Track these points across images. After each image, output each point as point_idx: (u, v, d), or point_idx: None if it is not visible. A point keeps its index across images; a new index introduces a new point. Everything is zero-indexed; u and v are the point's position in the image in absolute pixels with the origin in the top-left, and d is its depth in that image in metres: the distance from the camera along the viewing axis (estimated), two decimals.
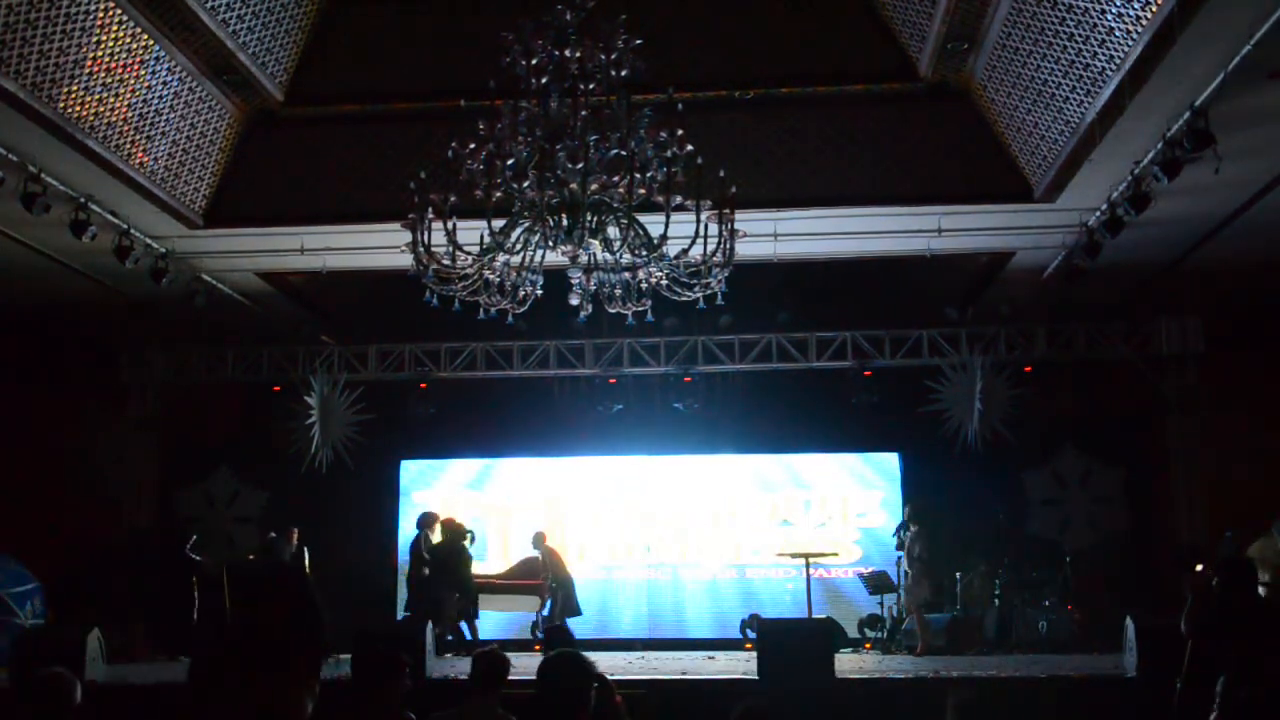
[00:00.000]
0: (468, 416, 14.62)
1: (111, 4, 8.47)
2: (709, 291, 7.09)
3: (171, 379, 14.05)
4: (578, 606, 13.37)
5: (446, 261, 6.83)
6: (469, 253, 6.81)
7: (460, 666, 10.11)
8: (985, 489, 13.87)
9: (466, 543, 12.82)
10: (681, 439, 14.48)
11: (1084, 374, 14.16)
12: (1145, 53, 7.72)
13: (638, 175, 6.52)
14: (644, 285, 7.11)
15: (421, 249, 6.78)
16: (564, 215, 6.61)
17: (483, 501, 15.02)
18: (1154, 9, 7.37)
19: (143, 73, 9.24)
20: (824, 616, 12.34)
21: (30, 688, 4.82)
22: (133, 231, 10.72)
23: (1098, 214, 10.23)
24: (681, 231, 6.64)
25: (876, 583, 13.11)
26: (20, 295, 12.68)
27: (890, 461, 14.67)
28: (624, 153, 6.53)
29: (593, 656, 4.71)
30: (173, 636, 12.10)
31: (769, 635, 9.93)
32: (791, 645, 9.63)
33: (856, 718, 9.07)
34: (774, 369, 13.65)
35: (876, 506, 14.59)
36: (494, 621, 13.71)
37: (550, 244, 6.73)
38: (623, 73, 6.55)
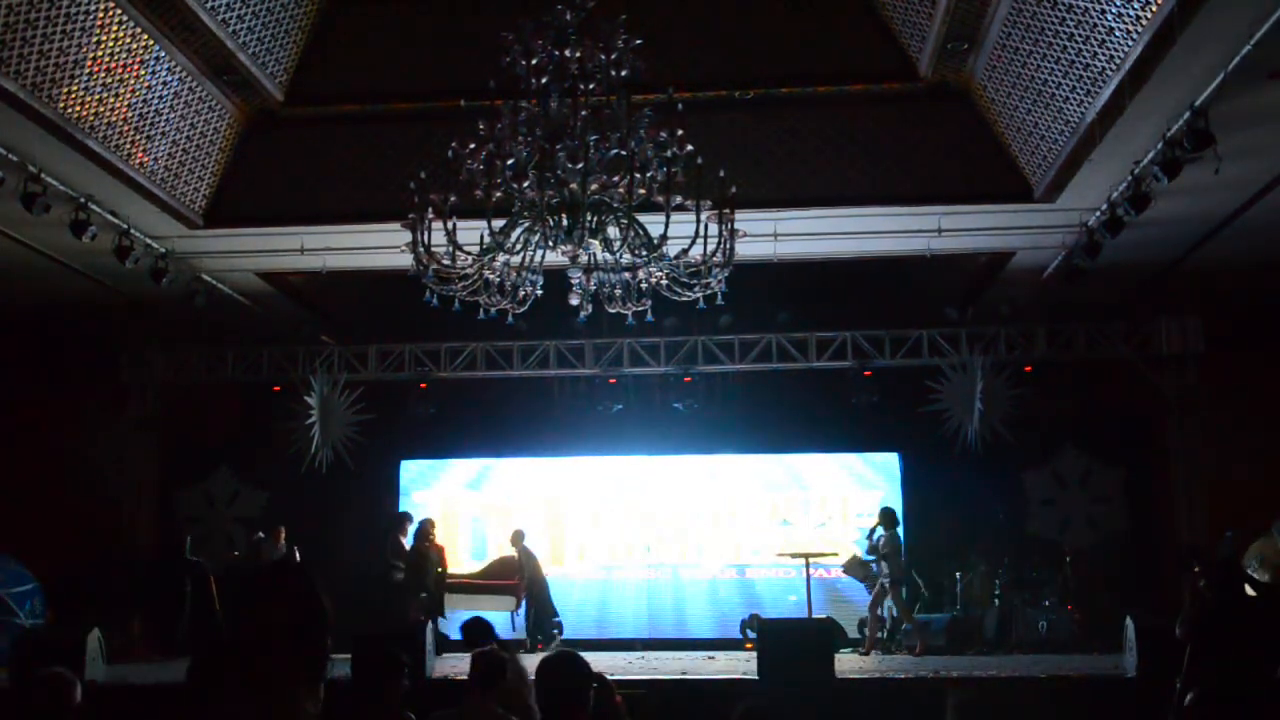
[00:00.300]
0: (468, 416, 14.61)
1: (111, 4, 8.47)
2: (709, 291, 7.09)
3: (171, 379, 14.05)
4: (553, 607, 13.36)
5: (446, 261, 6.84)
6: (469, 253, 6.81)
7: (460, 666, 10.10)
8: (985, 489, 13.88)
9: (431, 544, 12.77)
10: (681, 439, 14.47)
11: (1084, 374, 14.16)
12: (1145, 53, 7.72)
13: (638, 175, 6.52)
14: (644, 285, 7.11)
15: (421, 249, 6.79)
16: (564, 215, 6.61)
17: (483, 501, 15.01)
18: (1154, 9, 7.37)
19: (143, 73, 9.24)
20: (824, 616, 12.35)
21: (30, 688, 4.82)
22: (133, 231, 10.72)
23: (1098, 214, 10.23)
24: (681, 231, 6.64)
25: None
26: (20, 295, 12.68)
27: (890, 461, 14.66)
28: (624, 153, 6.53)
29: (592, 657, 4.71)
30: (171, 637, 12.12)
31: (769, 635, 9.93)
32: (791, 645, 9.63)
33: (856, 718, 9.07)
34: (774, 369, 13.64)
35: (876, 506, 14.56)
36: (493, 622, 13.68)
37: (550, 244, 6.73)
38: (623, 73, 6.55)
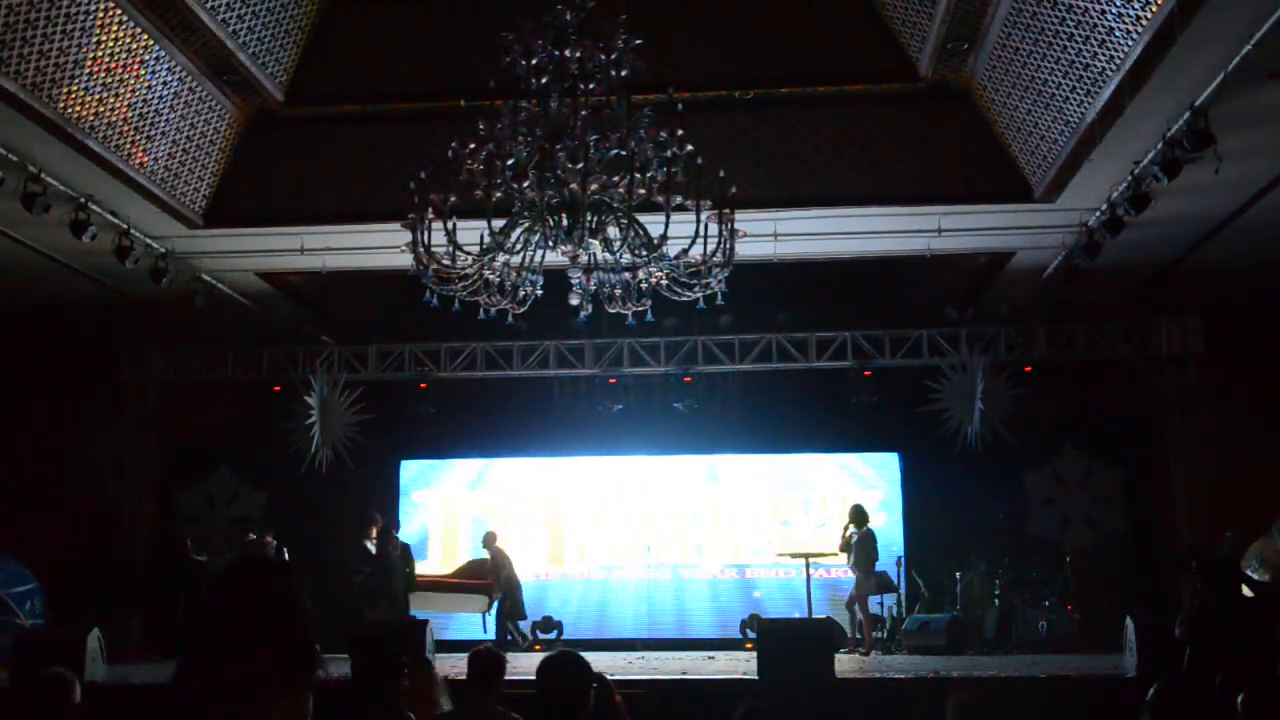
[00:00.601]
0: (468, 416, 14.61)
1: (111, 4, 8.47)
2: (709, 291, 7.09)
3: (171, 379, 14.05)
4: (523, 609, 13.33)
5: (446, 261, 6.84)
6: (469, 253, 6.81)
7: (460, 666, 10.10)
8: (985, 489, 13.88)
9: (393, 546, 12.72)
10: (681, 439, 14.48)
11: (1084, 374, 14.16)
12: (1145, 53, 7.72)
13: (638, 175, 6.52)
14: (644, 285, 7.11)
15: (421, 249, 6.79)
16: (564, 215, 6.61)
17: (482, 501, 15.01)
18: (1154, 9, 7.37)
19: (143, 73, 9.24)
20: (824, 616, 12.35)
21: (30, 688, 4.82)
22: (133, 231, 10.72)
23: (1098, 214, 10.23)
24: (681, 231, 6.64)
25: (876, 583, 13.09)
26: (20, 295, 12.68)
27: (890, 461, 14.67)
28: (624, 153, 6.53)
29: (592, 656, 4.71)
30: (171, 637, 12.12)
31: (769, 635, 9.93)
32: (791, 645, 9.63)
33: (856, 718, 9.07)
34: (774, 369, 13.64)
35: (876, 507, 14.58)
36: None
37: (550, 244, 6.73)
38: (623, 73, 6.55)
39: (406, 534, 14.85)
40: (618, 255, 6.84)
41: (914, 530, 14.23)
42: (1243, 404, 13.31)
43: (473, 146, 6.65)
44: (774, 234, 10.88)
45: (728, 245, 6.84)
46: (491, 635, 12.98)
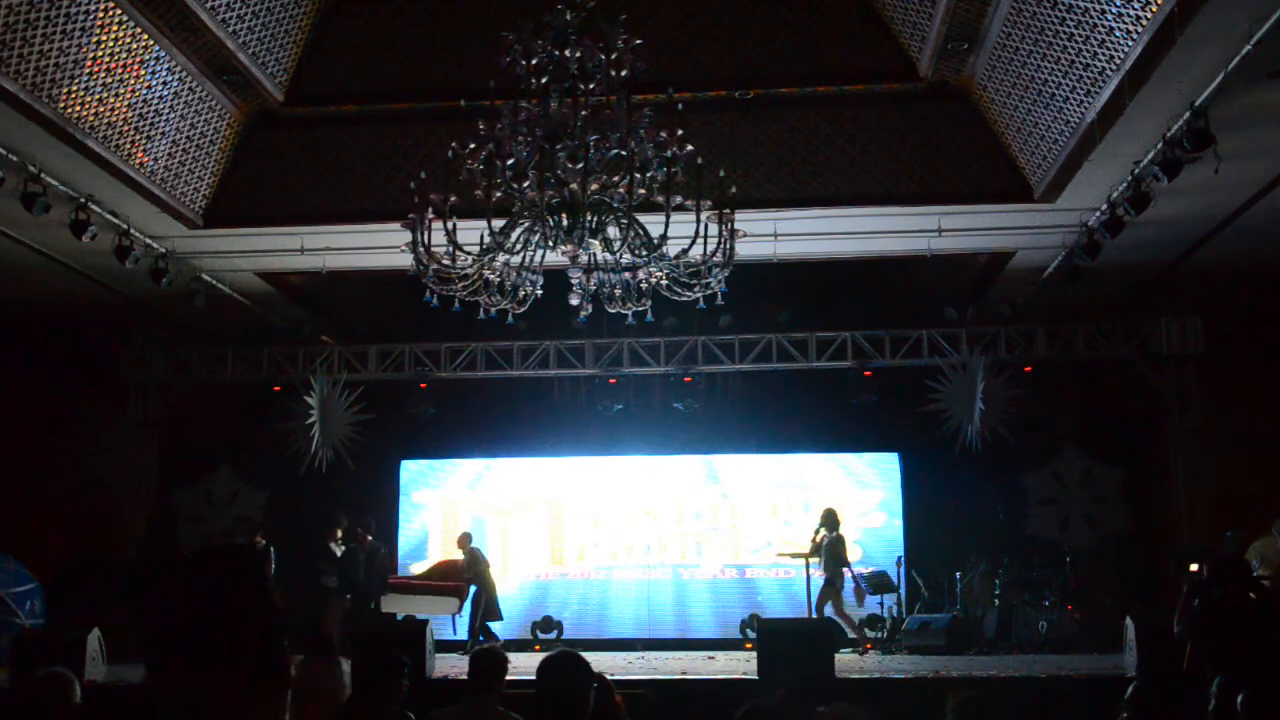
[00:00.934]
0: (468, 416, 14.61)
1: (111, 4, 8.47)
2: (709, 291, 7.09)
3: (171, 379, 14.05)
4: (499, 610, 13.22)
5: (446, 261, 6.83)
6: (469, 253, 6.81)
7: (460, 666, 10.10)
8: (985, 489, 13.88)
9: (361, 545, 12.69)
10: (681, 439, 14.48)
11: (1084, 374, 14.16)
12: (1145, 53, 7.72)
13: (638, 175, 6.52)
14: (644, 285, 7.11)
15: (421, 249, 6.78)
16: (564, 215, 6.61)
17: (483, 501, 15.01)
18: (1154, 9, 7.37)
19: (143, 73, 9.24)
20: (824, 617, 12.35)
21: (30, 688, 4.82)
22: (133, 231, 10.72)
23: (1098, 214, 10.23)
24: (681, 231, 6.64)
25: (876, 583, 13.11)
26: (20, 295, 12.68)
27: (890, 462, 14.66)
28: (624, 153, 6.53)
29: (592, 657, 4.71)
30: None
31: (769, 635, 9.92)
32: (791, 645, 9.62)
33: (856, 718, 9.05)
34: (774, 369, 13.64)
35: (876, 507, 14.59)
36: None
37: (550, 244, 6.73)
38: (623, 73, 6.55)
39: (407, 534, 14.90)
40: (618, 255, 6.84)
41: (914, 530, 14.23)
42: (1243, 404, 13.30)
43: (473, 146, 6.65)
44: (774, 234, 10.89)
45: (728, 245, 6.84)
46: (464, 637, 12.89)
